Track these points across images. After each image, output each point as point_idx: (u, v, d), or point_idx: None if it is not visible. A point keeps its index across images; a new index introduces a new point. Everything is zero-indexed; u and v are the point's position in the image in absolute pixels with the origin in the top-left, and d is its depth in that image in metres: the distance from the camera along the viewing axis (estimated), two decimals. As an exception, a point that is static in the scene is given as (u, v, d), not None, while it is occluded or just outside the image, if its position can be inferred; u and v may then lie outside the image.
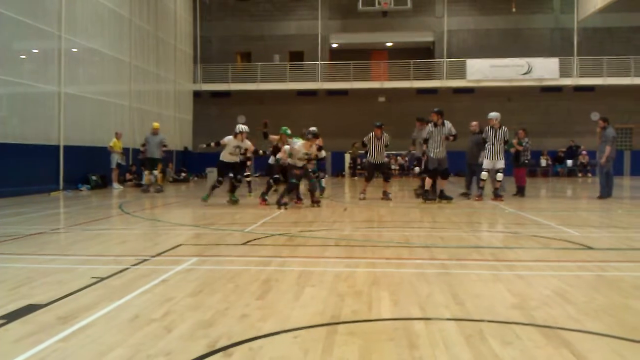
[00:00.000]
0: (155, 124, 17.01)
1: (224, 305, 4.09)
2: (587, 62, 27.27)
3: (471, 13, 29.66)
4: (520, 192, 14.31)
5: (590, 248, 6.58)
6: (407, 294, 4.43)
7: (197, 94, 28.70)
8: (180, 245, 6.84)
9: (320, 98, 28.94)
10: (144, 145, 17.60)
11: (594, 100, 27.02)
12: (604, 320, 3.74)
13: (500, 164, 12.86)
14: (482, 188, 13.11)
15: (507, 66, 27.07)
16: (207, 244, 7.15)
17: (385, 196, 13.31)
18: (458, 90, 28.01)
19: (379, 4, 28.57)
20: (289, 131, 13.19)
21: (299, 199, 11.98)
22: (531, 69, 26.86)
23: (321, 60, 29.11)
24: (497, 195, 12.95)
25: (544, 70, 26.93)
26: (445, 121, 12.40)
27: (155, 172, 16.83)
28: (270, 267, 5.45)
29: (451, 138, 12.32)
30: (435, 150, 12.33)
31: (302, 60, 29.55)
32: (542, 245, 6.88)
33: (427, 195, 12.55)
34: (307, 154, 11.48)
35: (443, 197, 12.46)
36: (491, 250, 6.55)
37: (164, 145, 16.69)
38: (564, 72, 27.19)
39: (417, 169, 14.03)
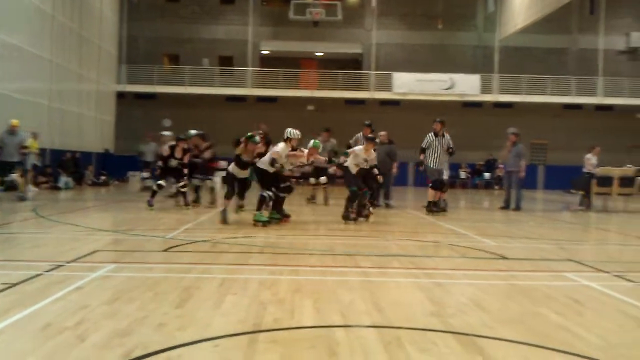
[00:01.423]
0: (14, 122, 13.60)
1: (141, 313, 3.98)
2: (507, 80, 28.51)
3: (399, 27, 30.41)
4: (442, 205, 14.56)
5: (504, 258, 6.85)
6: (330, 302, 4.47)
7: (120, 95, 27.86)
8: (97, 251, 6.60)
9: (249, 104, 28.77)
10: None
11: (512, 116, 28.22)
12: (517, 327, 3.90)
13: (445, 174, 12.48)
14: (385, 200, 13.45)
15: (431, 81, 27.90)
16: (126, 250, 6.94)
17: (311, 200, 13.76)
18: (385, 102, 28.59)
19: (310, 13, 28.83)
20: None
21: (285, 216, 10.04)
22: (454, 84, 27.83)
23: (251, 67, 29.00)
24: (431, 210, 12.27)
25: (466, 86, 27.95)
26: (445, 133, 12.17)
27: (14, 176, 13.77)
28: (191, 275, 5.35)
29: (451, 150, 12.05)
30: (435, 161, 12.05)
31: (232, 66, 29.33)
32: (460, 254, 7.10)
33: (432, 207, 12.15)
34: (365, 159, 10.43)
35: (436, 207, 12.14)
36: (411, 258, 6.71)
37: (24, 147, 13.89)
38: (485, 88, 28.32)
39: (322, 179, 13.65)
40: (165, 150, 11.99)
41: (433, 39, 30.00)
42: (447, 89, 27.86)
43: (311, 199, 14.31)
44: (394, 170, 13.73)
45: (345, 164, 10.36)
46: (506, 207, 14.24)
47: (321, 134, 14.06)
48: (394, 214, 12.48)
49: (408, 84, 27.96)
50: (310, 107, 28.77)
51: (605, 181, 14.93)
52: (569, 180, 16.89)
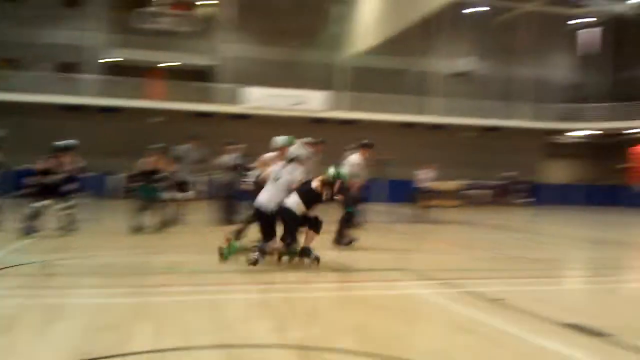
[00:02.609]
0: None
1: (-47, 346, 3.59)
2: (352, 98, 29.83)
3: (251, 42, 30.61)
4: None
5: (344, 270, 7.11)
6: (171, 324, 4.35)
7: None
8: None
9: (91, 114, 27.25)
10: None
11: (358, 133, 29.53)
12: (354, 337, 4.06)
13: None
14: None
15: (282, 96, 28.40)
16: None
17: None
18: (235, 116, 28.56)
19: (160, 22, 28.11)
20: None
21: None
22: (303, 100, 28.57)
23: (95, 74, 27.53)
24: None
25: (314, 102, 28.84)
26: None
27: None
28: (16, 300, 4.93)
29: None
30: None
31: (74, 72, 27.63)
32: (305, 267, 7.24)
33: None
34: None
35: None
36: (255, 274, 6.72)
37: None
38: (333, 105, 29.39)
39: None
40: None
41: (284, 55, 30.57)
42: (296, 104, 28.51)
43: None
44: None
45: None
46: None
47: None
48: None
49: (259, 99, 28.20)
50: (158, 119, 27.93)
51: (438, 194, 16.12)
52: (408, 193, 17.98)
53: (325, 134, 13.78)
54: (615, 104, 31.60)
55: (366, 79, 30.98)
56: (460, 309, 5.02)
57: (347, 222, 9.26)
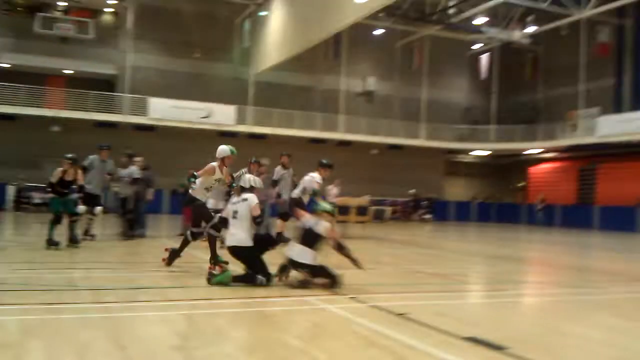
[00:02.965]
0: None
1: None
2: (260, 112, 29.82)
3: (156, 52, 29.92)
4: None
5: (251, 286, 7.03)
6: (64, 343, 4.11)
7: None
8: None
9: (-20, 122, 25.56)
10: None
11: (265, 147, 29.54)
12: (260, 355, 4.01)
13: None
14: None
15: (188, 108, 27.90)
16: None
17: None
18: (139, 127, 27.73)
19: (59, 28, 26.91)
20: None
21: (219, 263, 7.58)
22: (211, 113, 28.22)
23: (-14, 80, 25.87)
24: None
25: (222, 116, 28.56)
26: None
27: None
28: None
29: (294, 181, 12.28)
30: (287, 193, 12.02)
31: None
32: (208, 283, 7.10)
33: (281, 237, 11.46)
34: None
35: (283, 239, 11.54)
36: (159, 290, 6.52)
37: None
38: (240, 119, 29.23)
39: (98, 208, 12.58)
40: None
41: (191, 68, 30.13)
42: (203, 117, 28.10)
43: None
44: (150, 197, 13.29)
45: None
46: None
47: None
48: (144, 244, 12.04)
49: (164, 110, 27.55)
50: (56, 128, 26.62)
51: (344, 210, 16.38)
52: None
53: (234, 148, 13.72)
54: (507, 126, 33.57)
55: (275, 95, 31.11)
56: (366, 324, 5.09)
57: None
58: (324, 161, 11.28)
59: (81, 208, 10.79)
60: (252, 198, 7.10)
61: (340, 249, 7.13)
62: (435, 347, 4.34)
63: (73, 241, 10.20)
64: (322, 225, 7.05)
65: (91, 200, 11.51)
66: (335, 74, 32.39)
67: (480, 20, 30.22)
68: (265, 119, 29.85)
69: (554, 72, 34.33)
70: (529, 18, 29.30)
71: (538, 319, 5.95)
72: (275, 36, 26.43)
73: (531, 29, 29.56)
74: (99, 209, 11.89)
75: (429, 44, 33.11)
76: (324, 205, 7.50)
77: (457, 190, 37.18)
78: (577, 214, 30.55)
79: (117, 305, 5.55)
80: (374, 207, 21.48)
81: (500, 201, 36.30)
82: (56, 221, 10.02)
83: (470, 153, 36.36)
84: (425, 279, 8.33)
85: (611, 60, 30.47)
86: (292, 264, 6.96)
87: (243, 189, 7.26)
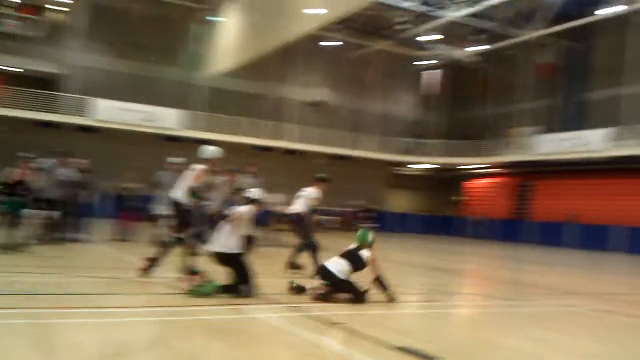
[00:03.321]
0: None
1: None
2: (209, 118, 29.56)
3: (104, 53, 29.26)
4: (128, 237, 13.98)
5: (188, 294, 6.96)
6: (-12, 350, 3.98)
7: None
8: None
9: None
10: None
11: (211, 154, 29.28)
12: (191, 363, 3.99)
13: None
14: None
15: (135, 111, 27.38)
16: None
17: None
18: (83, 129, 27.03)
19: (4, 24, 26.06)
20: None
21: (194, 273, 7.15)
22: (157, 117, 27.77)
23: None
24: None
25: (169, 120, 28.15)
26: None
27: None
28: None
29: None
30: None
31: None
32: (144, 290, 7.00)
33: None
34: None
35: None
36: (94, 297, 6.38)
37: None
38: (188, 124, 28.88)
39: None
40: None
41: (138, 70, 29.60)
42: (149, 121, 27.63)
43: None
44: (88, 200, 12.97)
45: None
46: None
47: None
48: (81, 248, 11.73)
49: (109, 112, 26.95)
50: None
51: (284, 218, 16.36)
52: (259, 216, 18.06)
53: (180, 153, 13.56)
54: (451, 141, 34.41)
55: (223, 101, 30.91)
56: (302, 333, 5.14)
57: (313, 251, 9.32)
58: (322, 175, 10.66)
59: (34, 211, 10.64)
60: (251, 209, 7.00)
61: (379, 281, 7.06)
62: (367, 356, 4.42)
63: (18, 244, 9.92)
64: (366, 254, 7.05)
65: (48, 203, 11.29)
66: (287, 82, 32.47)
67: (431, 38, 30.93)
68: (212, 124, 29.60)
69: (498, 90, 35.43)
70: (478, 37, 30.16)
71: (471, 330, 6.12)
72: (228, 42, 26.30)
73: (479, 48, 30.44)
74: (54, 213, 11.59)
75: (380, 58, 33.65)
76: (368, 236, 7.34)
77: (399, 202, 37.76)
78: (513, 229, 31.53)
79: (48, 311, 5.41)
80: (319, 217, 21.57)
81: (442, 214, 37.09)
82: (12, 223, 9.74)
83: (414, 166, 37.04)
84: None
85: (554, 81, 31.69)
86: (323, 271, 6.94)
87: (248, 200, 7.11)
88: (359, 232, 7.40)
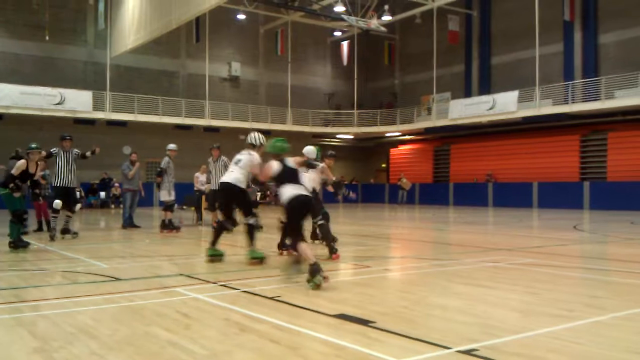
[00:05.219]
0: None
1: None
2: (120, 98, 28.43)
3: (2, 34, 27.44)
4: (41, 225, 13.40)
5: (117, 279, 6.74)
6: None
7: None
8: None
9: None
10: None
11: (126, 135, 28.27)
12: (126, 351, 3.84)
13: None
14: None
15: (38, 95, 25.92)
16: None
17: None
18: (-16, 116, 25.40)
19: None
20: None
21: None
22: (64, 99, 26.40)
23: None
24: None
25: (77, 102, 26.83)
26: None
27: None
28: None
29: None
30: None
31: None
32: (70, 280, 6.71)
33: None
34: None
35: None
36: (14, 291, 6.04)
37: None
38: (97, 106, 27.67)
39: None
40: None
41: (40, 51, 28.02)
42: (57, 104, 26.26)
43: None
44: None
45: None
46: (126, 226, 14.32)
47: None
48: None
49: (11, 97, 25.39)
50: None
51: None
52: (182, 196, 17.67)
53: (91, 136, 13.05)
54: (368, 110, 34.88)
55: (135, 79, 29.88)
56: (238, 310, 5.07)
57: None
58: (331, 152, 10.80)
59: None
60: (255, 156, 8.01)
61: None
62: (305, 327, 4.42)
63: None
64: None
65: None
66: (199, 59, 31.70)
67: (339, 8, 30.95)
68: (125, 105, 28.52)
69: (409, 59, 36.13)
70: (385, 7, 30.48)
71: (404, 292, 6.25)
72: (133, 18, 25.20)
73: (387, 18, 30.80)
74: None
75: (292, 30, 33.39)
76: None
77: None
78: (433, 192, 32.56)
79: None
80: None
81: (366, 182, 37.73)
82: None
83: (336, 137, 37.34)
84: (296, 261, 8.42)
85: (461, 48, 32.61)
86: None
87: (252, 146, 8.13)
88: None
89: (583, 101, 25.71)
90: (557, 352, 3.82)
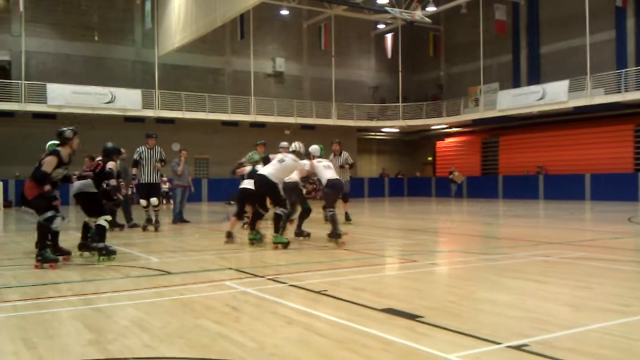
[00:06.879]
0: None
1: None
2: (168, 96, 28.97)
3: (51, 36, 28.33)
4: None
5: (168, 273, 6.89)
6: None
7: None
8: None
9: None
10: None
11: (175, 132, 28.80)
12: (177, 343, 3.93)
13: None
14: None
15: (89, 94, 26.66)
16: None
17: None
18: (38, 115, 26.27)
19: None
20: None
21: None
22: (114, 98, 27.08)
23: None
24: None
25: (127, 100, 27.46)
26: (343, 151, 14.13)
27: None
28: None
29: (347, 166, 13.80)
30: (341, 176, 12.34)
31: None
32: (122, 274, 6.89)
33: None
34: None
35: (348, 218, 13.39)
36: (69, 285, 6.25)
37: None
38: (146, 104, 28.25)
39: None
40: None
41: (89, 51, 28.80)
42: (107, 102, 26.96)
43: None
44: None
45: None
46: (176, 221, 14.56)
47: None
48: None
49: (64, 97, 26.20)
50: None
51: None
52: (229, 192, 17.88)
53: (141, 134, 13.33)
54: (416, 103, 34.54)
55: (182, 77, 30.38)
56: (285, 303, 5.12)
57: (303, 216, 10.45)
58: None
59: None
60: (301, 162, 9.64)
61: None
62: (352, 321, 4.43)
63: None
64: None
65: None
66: (244, 55, 31.98)
67: (383, 1, 30.70)
68: (173, 102, 29.05)
69: (455, 50, 35.56)
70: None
71: (451, 287, 6.18)
72: (179, 17, 25.64)
73: (431, 9, 30.39)
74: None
75: (336, 25, 33.32)
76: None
77: (369, 168, 37.94)
78: (482, 185, 32.01)
79: (23, 303, 5.27)
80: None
81: (412, 176, 37.43)
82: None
83: (381, 130, 37.14)
84: (342, 255, 8.45)
85: (508, 37, 31.91)
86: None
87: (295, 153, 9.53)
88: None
89: (637, 89, 24.81)
90: (610, 348, 3.72)
